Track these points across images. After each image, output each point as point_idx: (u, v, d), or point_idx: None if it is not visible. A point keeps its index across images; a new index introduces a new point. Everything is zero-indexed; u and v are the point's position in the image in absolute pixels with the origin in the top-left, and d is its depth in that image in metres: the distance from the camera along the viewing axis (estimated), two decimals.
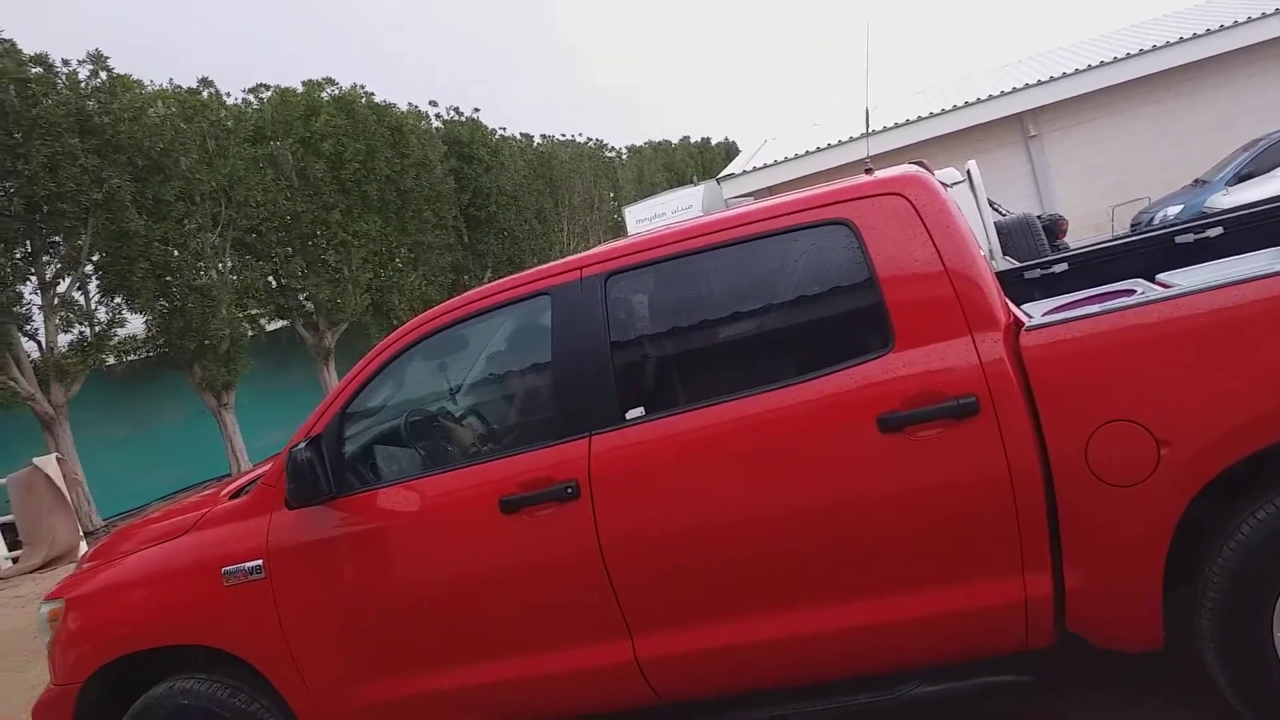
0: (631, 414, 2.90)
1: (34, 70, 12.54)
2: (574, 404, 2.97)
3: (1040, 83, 15.84)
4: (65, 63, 13.28)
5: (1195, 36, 15.07)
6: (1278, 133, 12.58)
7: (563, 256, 3.40)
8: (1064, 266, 4.11)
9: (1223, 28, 14.96)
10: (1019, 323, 2.69)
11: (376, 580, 3.08)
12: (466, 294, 3.30)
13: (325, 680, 3.15)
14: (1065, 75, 15.70)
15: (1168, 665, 2.93)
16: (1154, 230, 4.41)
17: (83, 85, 13.40)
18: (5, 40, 12.11)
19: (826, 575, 2.73)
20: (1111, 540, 2.54)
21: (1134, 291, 3.43)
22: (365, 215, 17.83)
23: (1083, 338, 2.58)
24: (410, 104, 20.08)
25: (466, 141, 21.32)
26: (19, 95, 11.99)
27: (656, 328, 3.20)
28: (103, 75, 13.65)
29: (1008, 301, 2.82)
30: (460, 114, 21.90)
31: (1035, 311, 3.22)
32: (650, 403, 2.94)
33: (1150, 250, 3.96)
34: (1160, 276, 3.61)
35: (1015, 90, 15.93)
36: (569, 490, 2.86)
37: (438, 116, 21.39)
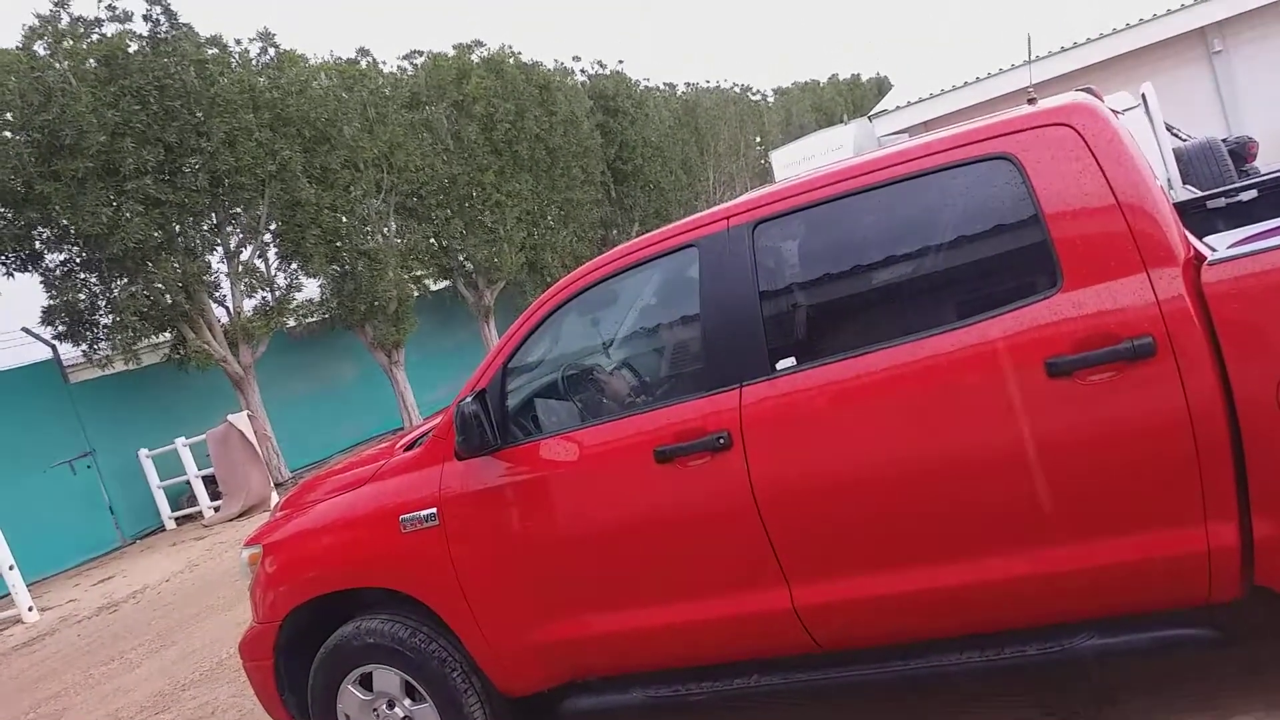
0: (782, 364, 2.89)
1: (210, 51, 13.38)
2: (724, 355, 2.98)
3: None
4: (238, 42, 14.10)
5: None
6: None
7: (709, 206, 3.39)
8: (1253, 194, 3.78)
9: None
10: (1200, 257, 2.51)
11: (540, 527, 3.21)
12: (615, 249, 3.35)
13: (495, 621, 3.32)
14: None
15: None
16: None
17: (253, 63, 14.21)
18: (183, 24, 12.95)
19: (992, 524, 2.66)
20: None
21: None
22: (517, 175, 18.25)
23: (1274, 270, 2.38)
24: (556, 61, 20.31)
25: (611, 95, 21.41)
26: (199, 76, 12.82)
27: (807, 275, 3.15)
28: (271, 52, 14.43)
29: (1187, 234, 2.63)
30: (604, 67, 21.98)
31: (1220, 244, 2.99)
32: (802, 352, 2.91)
33: None
34: None
35: (1196, 2, 14.58)
36: (721, 440, 2.89)
37: (583, 72, 21.55)
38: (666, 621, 3.08)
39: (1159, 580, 2.55)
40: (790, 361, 2.89)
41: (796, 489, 2.83)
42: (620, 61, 22.43)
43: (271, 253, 15.06)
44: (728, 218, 3.07)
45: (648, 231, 3.42)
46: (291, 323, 15.68)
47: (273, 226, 14.67)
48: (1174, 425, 2.43)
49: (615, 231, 21.53)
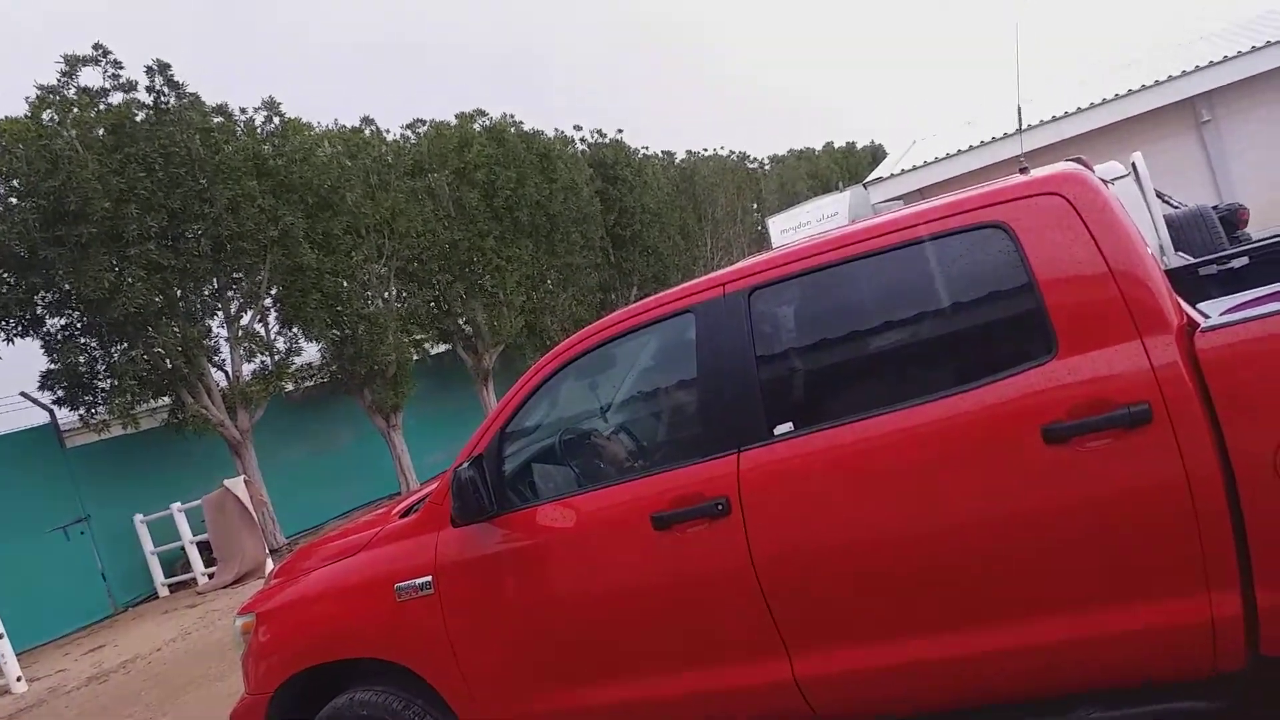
0: (780, 429, 2.89)
1: (216, 120, 13.61)
2: (721, 420, 2.98)
3: (1213, 64, 14.75)
4: (243, 110, 14.35)
5: None
6: None
7: (706, 271, 3.42)
8: (1244, 261, 3.82)
9: None
10: (1194, 324, 2.53)
11: (537, 596, 3.17)
12: (613, 314, 3.37)
13: (490, 692, 3.26)
14: (1241, 54, 14.57)
15: None
16: None
17: (258, 131, 14.44)
18: (190, 94, 13.20)
19: (992, 594, 2.63)
20: None
21: None
22: (517, 240, 18.43)
23: (1267, 337, 2.40)
24: (556, 129, 20.65)
25: (611, 163, 21.73)
26: (204, 144, 13.03)
27: (803, 341, 3.16)
28: (276, 120, 14.68)
29: (1180, 301, 2.66)
30: (604, 136, 22.36)
31: (1212, 311, 3.01)
32: (799, 417, 2.91)
33: None
34: None
35: (1185, 73, 14.89)
36: (719, 507, 2.87)
37: (582, 140, 21.91)
38: (665, 692, 3.03)
39: (1161, 651, 2.52)
40: (788, 426, 2.89)
41: (794, 556, 2.81)
42: (620, 131, 22.81)
43: (272, 317, 15.13)
44: (724, 284, 3.10)
45: (646, 296, 3.46)
46: (290, 387, 15.68)
47: (273, 291, 14.76)
48: (1172, 492, 2.42)
49: (614, 296, 21.67)
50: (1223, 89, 14.77)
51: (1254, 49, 14.50)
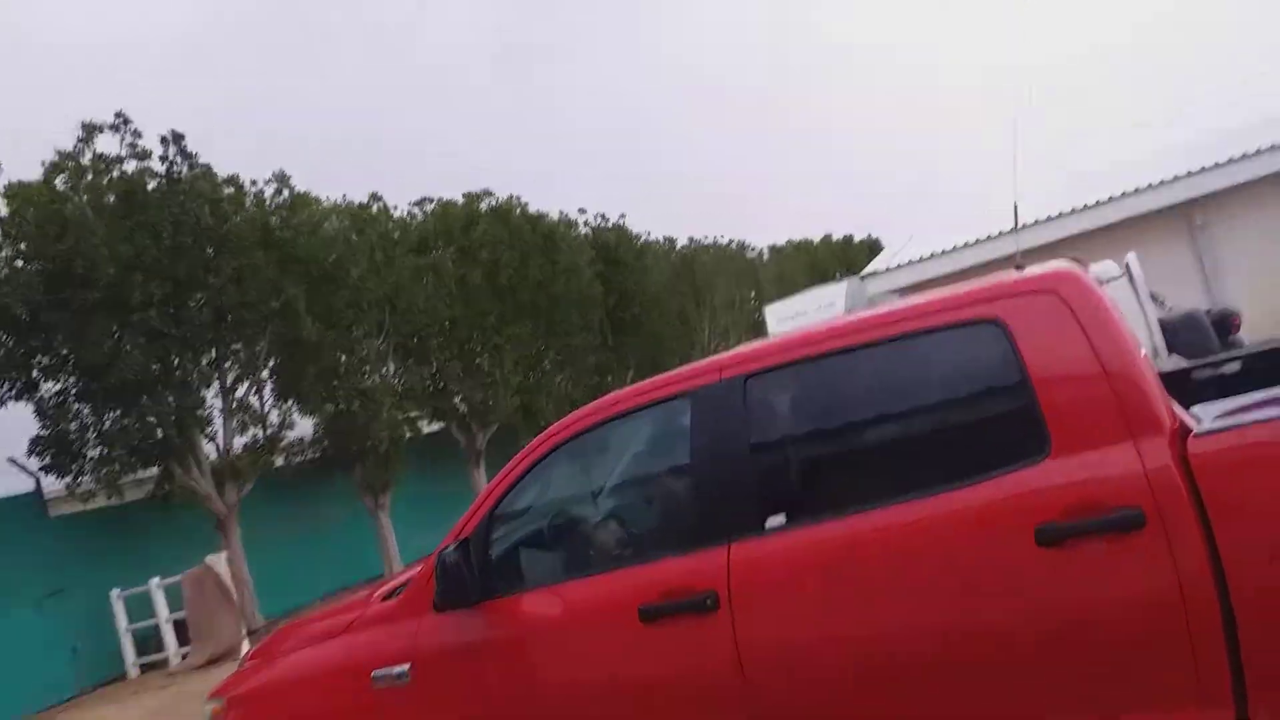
0: (772, 522, 2.85)
1: (226, 190, 13.80)
2: (713, 510, 2.94)
3: (1205, 169, 15.04)
4: (254, 183, 14.57)
5: None
6: None
7: (704, 357, 3.42)
8: (1237, 366, 3.83)
9: None
10: (1187, 427, 2.52)
11: (519, 687, 3.09)
12: (608, 397, 3.36)
13: None
14: (1233, 160, 14.87)
15: None
16: None
17: (268, 203, 14.64)
18: (203, 165, 13.42)
19: (982, 697, 2.57)
20: None
21: None
22: (517, 319, 18.53)
23: (1261, 444, 2.39)
24: (561, 212, 20.95)
25: (613, 246, 22.00)
26: (213, 213, 13.18)
27: (798, 431, 3.15)
28: (285, 193, 14.89)
29: (1173, 404, 2.65)
30: (606, 220, 22.68)
31: (1206, 415, 3.01)
32: (792, 510, 2.88)
33: None
34: None
35: (1178, 178, 15.17)
36: (708, 601, 2.81)
37: (586, 224, 22.22)
38: None
39: None
40: (780, 519, 2.85)
41: (785, 655, 2.74)
42: (622, 215, 23.16)
43: (267, 389, 15.09)
44: (721, 369, 3.10)
45: (642, 379, 3.45)
46: (280, 461, 15.54)
47: (271, 363, 14.76)
48: (1165, 599, 2.38)
49: (610, 378, 21.69)
50: (1216, 195, 15.01)
51: (1244, 156, 14.80)
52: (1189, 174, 15.14)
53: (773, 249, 33.39)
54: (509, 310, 18.42)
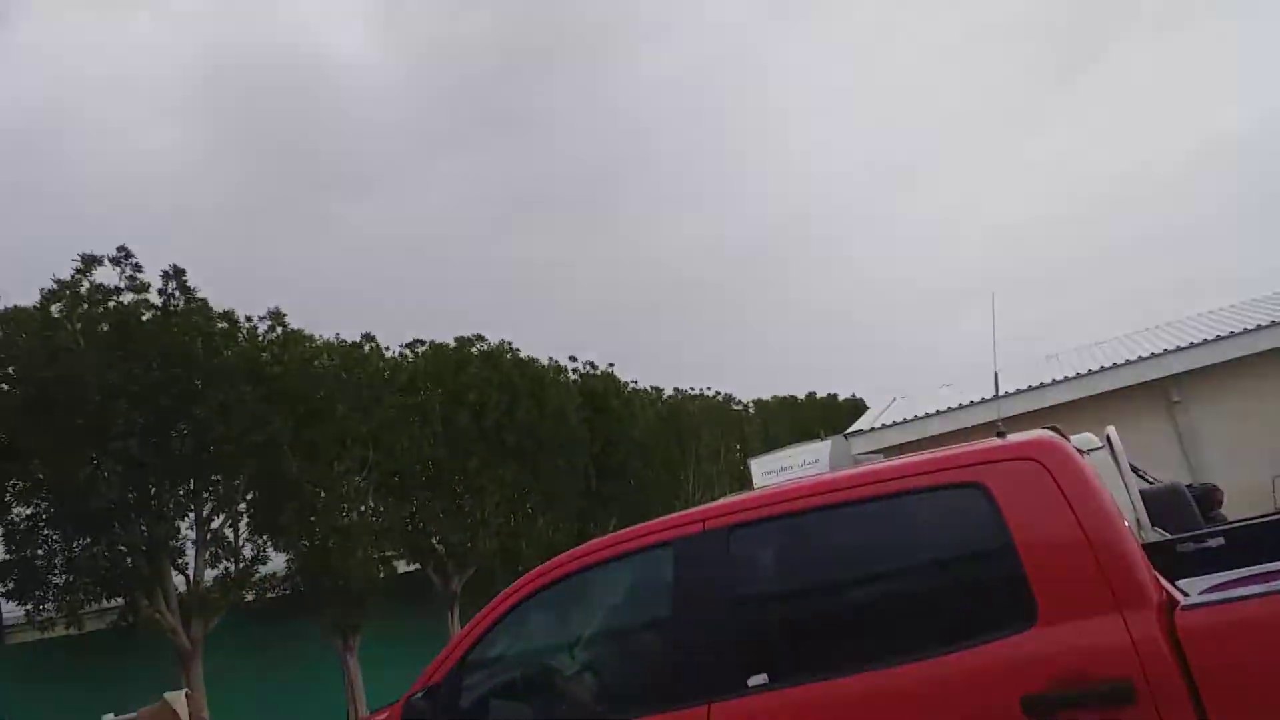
0: (754, 680, 2.78)
1: (220, 325, 13.95)
2: (694, 667, 2.88)
3: (1181, 348, 15.46)
4: (248, 318, 14.75)
5: None
6: None
7: (687, 506, 3.41)
8: (1220, 541, 3.84)
9: None
10: (1173, 600, 2.52)
11: None
12: (589, 544, 3.33)
13: None
14: (1209, 341, 15.31)
15: None
16: None
17: (260, 339, 14.78)
18: (200, 298, 13.62)
19: None
20: None
21: None
22: (502, 462, 18.43)
23: (1248, 620, 2.38)
24: (551, 358, 21.19)
25: (600, 393, 22.15)
26: (204, 347, 13.28)
27: (781, 587, 3.12)
28: (279, 330, 15.06)
29: (1159, 577, 2.65)
30: (595, 367, 22.92)
31: (1191, 589, 3.00)
32: (774, 669, 2.81)
33: None
34: None
35: (1155, 355, 15.59)
36: None
37: (575, 370, 22.44)
38: None
39: None
40: (762, 679, 2.78)
41: None
42: (611, 364, 23.42)
43: (243, 523, 14.81)
44: (704, 520, 3.09)
45: (625, 526, 3.43)
46: (251, 597, 15.09)
47: (250, 496, 14.55)
48: None
49: (593, 524, 21.41)
50: (1192, 373, 15.38)
51: (1218, 338, 15.26)
52: (1165, 351, 15.56)
53: (758, 403, 33.66)
54: (494, 452, 18.36)
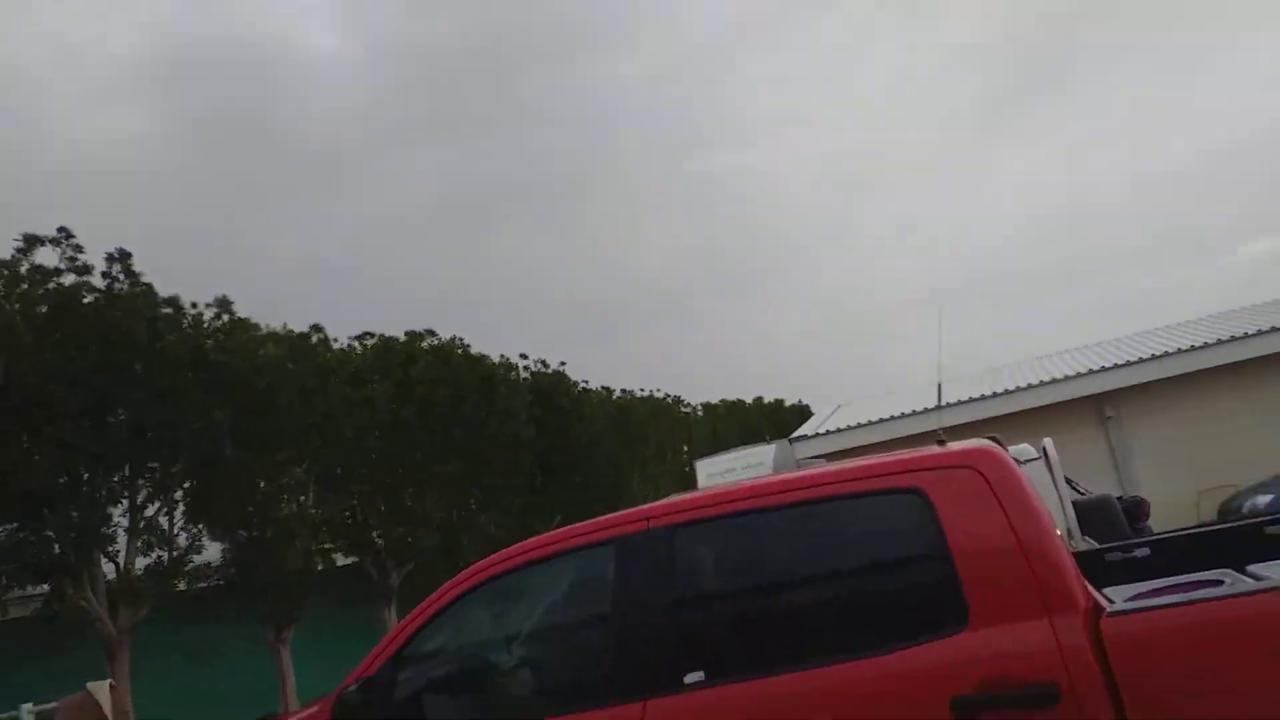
0: (690, 678, 2.80)
1: (164, 310, 13.64)
2: (632, 662, 2.89)
3: (1117, 366, 15.91)
4: (194, 305, 14.44)
5: (1274, 330, 15.18)
6: None
7: (632, 506, 3.42)
8: (1146, 551, 3.96)
9: None
10: (1099, 607, 2.59)
11: None
12: (531, 539, 3.32)
13: None
14: (1143, 360, 15.77)
15: None
16: (1243, 519, 4.26)
17: (205, 325, 14.48)
18: (145, 283, 13.31)
19: None
20: None
21: (1222, 582, 3.27)
22: (447, 457, 18.28)
23: (1169, 628, 2.46)
24: (502, 356, 21.07)
25: (550, 392, 22.08)
26: (147, 332, 12.97)
27: (721, 587, 3.14)
28: (225, 318, 14.77)
29: (1087, 584, 2.72)
30: (546, 366, 22.85)
31: (1117, 596, 3.09)
32: (711, 667, 2.83)
33: (1239, 539, 3.81)
34: (1251, 568, 3.45)
35: (1091, 372, 16.01)
36: None
37: (526, 368, 22.34)
38: None
39: None
40: (699, 676, 2.80)
41: None
42: (563, 363, 23.37)
43: (178, 511, 14.50)
44: (648, 518, 3.10)
45: (568, 524, 3.43)
46: (183, 586, 14.77)
47: (186, 484, 14.25)
48: None
49: (537, 522, 21.34)
50: (1126, 390, 15.83)
51: (1153, 357, 15.73)
52: (1102, 369, 15.99)
53: (706, 406, 33.84)
54: (439, 447, 18.20)
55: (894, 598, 2.88)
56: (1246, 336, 15.30)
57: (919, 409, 16.48)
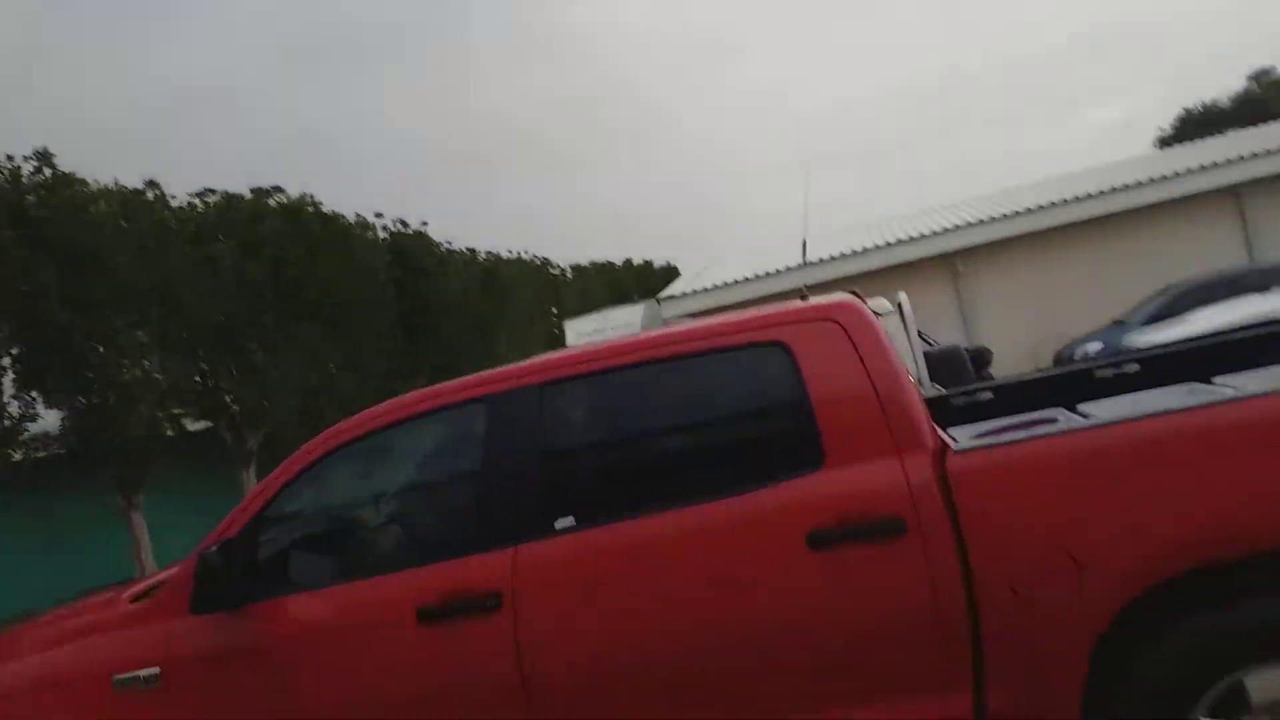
0: (560, 524, 2.85)
1: None
2: (503, 512, 2.91)
3: (969, 224, 16.64)
4: (9, 158, 13.16)
5: (1114, 190, 16.11)
6: (1189, 279, 13.36)
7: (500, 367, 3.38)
8: (989, 395, 4.21)
9: (1139, 184, 16.03)
10: (945, 446, 2.74)
11: (285, 692, 2.91)
12: (398, 398, 3.25)
13: None
14: (992, 219, 16.54)
15: None
16: (1074, 365, 4.56)
17: (25, 180, 13.24)
18: None
19: (755, 690, 2.68)
20: (1032, 662, 2.55)
21: (1055, 420, 3.52)
22: (301, 319, 17.65)
23: (1006, 462, 2.64)
24: (358, 215, 20.19)
25: (411, 252, 21.43)
26: None
27: (591, 439, 3.18)
28: (47, 172, 13.53)
29: (935, 426, 2.87)
30: (406, 226, 22.09)
31: (961, 436, 3.29)
32: (580, 514, 2.89)
33: (1071, 383, 4.09)
34: (1081, 407, 3.72)
35: (945, 231, 16.70)
36: (491, 602, 2.77)
37: (384, 228, 21.53)
38: None
39: None
40: (569, 521, 2.86)
41: (564, 655, 2.74)
42: (424, 223, 22.61)
43: (9, 378, 13.57)
44: (517, 376, 3.09)
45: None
46: (18, 456, 14.01)
47: (15, 350, 13.30)
48: (919, 599, 2.57)
49: (401, 383, 21.08)
50: (976, 248, 16.64)
51: (1003, 216, 16.51)
52: (955, 228, 16.69)
53: (575, 268, 33.70)
54: (293, 309, 17.52)
55: (756, 443, 2.99)
56: (1088, 198, 16.21)
57: (783, 268, 16.89)
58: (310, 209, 18.32)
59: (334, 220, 18.91)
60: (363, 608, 2.91)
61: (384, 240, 21.09)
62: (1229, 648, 2.49)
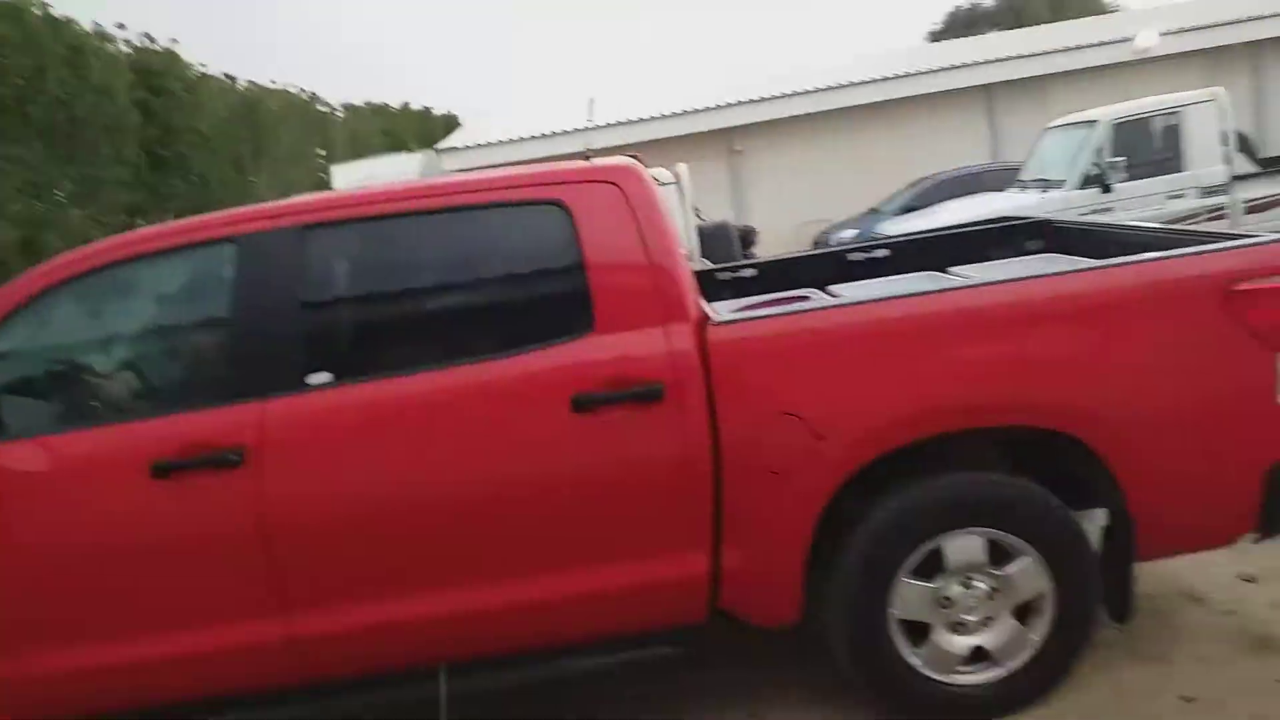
0: (315, 379, 2.74)
1: None
2: (252, 363, 2.75)
3: (750, 101, 16.98)
4: None
5: (883, 79, 16.90)
6: (939, 175, 14.46)
7: None
8: (752, 272, 4.41)
9: (906, 75, 16.91)
10: (707, 318, 2.84)
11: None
12: (137, 231, 2.96)
13: None
14: (766, 99, 16.97)
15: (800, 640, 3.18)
16: (830, 248, 4.85)
17: None
18: None
19: (510, 551, 2.74)
20: (766, 523, 2.76)
21: (808, 299, 3.74)
22: (24, 139, 15.55)
23: (760, 336, 2.79)
24: (95, 23, 17.77)
25: (159, 73, 19.23)
26: None
27: (353, 290, 3.05)
28: None
29: (700, 299, 2.97)
30: (153, 41, 19.72)
31: (724, 310, 3.43)
32: (337, 368, 2.79)
33: (826, 265, 4.36)
34: (832, 288, 3.98)
35: (720, 106, 17.00)
36: (233, 457, 2.64)
37: (127, 42, 19.11)
38: (157, 654, 2.71)
39: (642, 604, 2.80)
40: (325, 377, 2.75)
41: (309, 512, 2.68)
42: (174, 40, 20.23)
43: None
44: (276, 216, 2.87)
45: None
46: None
47: None
48: (671, 462, 2.71)
49: (144, 220, 19.25)
50: (753, 126, 17.06)
51: (781, 95, 16.97)
52: (736, 103, 17.00)
53: (349, 108, 31.57)
54: (13, 127, 15.39)
55: (526, 304, 2.97)
56: (852, 85, 16.93)
57: (569, 129, 16.62)
58: (36, 10, 15.93)
59: (65, 26, 16.58)
60: (92, 460, 2.70)
61: (128, 56, 18.77)
62: (931, 517, 2.80)
